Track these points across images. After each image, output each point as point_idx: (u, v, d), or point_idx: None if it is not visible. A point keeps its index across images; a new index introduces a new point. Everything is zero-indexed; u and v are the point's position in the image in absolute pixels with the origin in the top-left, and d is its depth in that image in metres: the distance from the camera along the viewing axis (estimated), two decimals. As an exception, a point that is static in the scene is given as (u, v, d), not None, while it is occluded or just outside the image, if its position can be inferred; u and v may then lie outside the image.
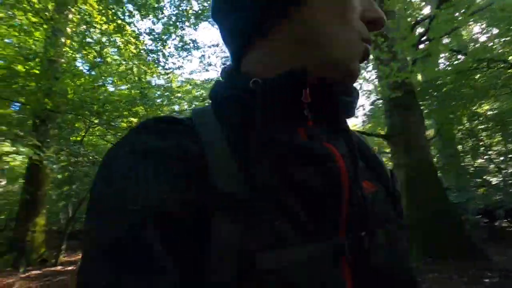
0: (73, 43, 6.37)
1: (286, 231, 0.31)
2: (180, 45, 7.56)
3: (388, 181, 0.44)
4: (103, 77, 6.62)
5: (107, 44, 6.83)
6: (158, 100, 7.58)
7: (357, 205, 0.35)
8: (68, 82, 5.56)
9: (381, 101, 6.41)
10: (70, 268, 6.19)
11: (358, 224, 0.35)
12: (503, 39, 4.39)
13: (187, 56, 8.18)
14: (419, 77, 6.54)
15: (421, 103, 5.34)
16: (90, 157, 5.99)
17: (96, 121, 6.09)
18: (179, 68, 8.20)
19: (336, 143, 0.39)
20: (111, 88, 7.22)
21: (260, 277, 0.29)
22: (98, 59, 6.36)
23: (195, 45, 7.83)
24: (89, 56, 6.38)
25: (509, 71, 4.36)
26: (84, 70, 6.68)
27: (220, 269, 0.29)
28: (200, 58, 9.17)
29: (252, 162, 0.34)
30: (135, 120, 6.18)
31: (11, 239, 6.36)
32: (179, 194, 0.30)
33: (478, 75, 5.09)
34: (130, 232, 0.27)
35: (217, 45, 8.79)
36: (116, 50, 7.26)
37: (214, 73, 10.46)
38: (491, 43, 4.57)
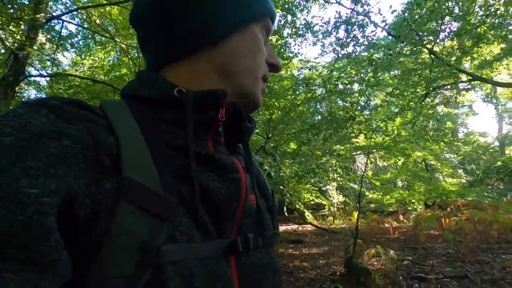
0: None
1: (189, 229, 0.35)
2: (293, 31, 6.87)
3: (269, 199, 0.53)
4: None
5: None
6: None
7: (246, 214, 0.43)
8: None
9: None
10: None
11: (245, 229, 0.42)
12: None
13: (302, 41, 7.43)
14: None
15: None
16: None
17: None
18: (297, 54, 7.55)
19: (238, 158, 0.48)
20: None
21: (162, 268, 0.31)
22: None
23: (309, 27, 6.87)
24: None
25: None
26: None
27: (121, 260, 0.29)
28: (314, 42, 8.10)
29: (167, 163, 0.37)
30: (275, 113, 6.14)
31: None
32: (84, 181, 0.30)
33: None
34: (26, 222, 0.25)
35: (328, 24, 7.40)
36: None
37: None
38: None
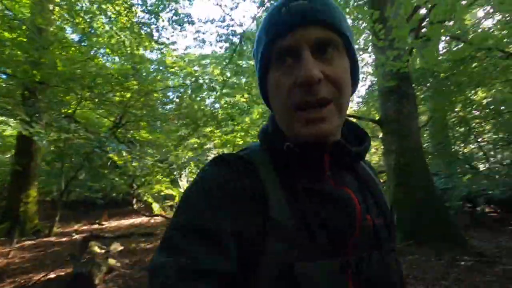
0: (62, 11, 5.95)
1: (314, 250, 0.46)
2: (174, 19, 7.20)
3: (386, 213, 0.56)
4: (94, 49, 6.24)
5: (98, 13, 6.29)
6: (152, 75, 7.34)
7: (363, 234, 0.50)
8: (57, 52, 5.23)
9: (376, 86, 6.42)
10: (64, 239, 6.01)
11: (361, 247, 0.49)
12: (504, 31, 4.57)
13: (181, 31, 7.77)
14: (418, 61, 6.63)
15: (416, 89, 5.46)
16: (81, 133, 5.54)
17: (87, 94, 5.84)
18: (173, 43, 7.68)
19: (351, 184, 0.55)
20: (104, 62, 6.82)
21: (295, 278, 0.43)
22: (90, 30, 5.93)
23: (190, 19, 7.38)
24: (79, 26, 5.92)
25: (506, 61, 4.59)
26: (75, 42, 6.18)
27: (268, 272, 0.44)
28: (195, 33, 8.57)
29: (296, 202, 0.48)
30: (128, 94, 5.95)
31: (4, 209, 6.40)
32: (246, 219, 0.46)
33: (475, 64, 5.26)
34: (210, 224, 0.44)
35: (212, 21, 7.82)
36: (107, 20, 6.67)
37: (209, 49, 9.48)
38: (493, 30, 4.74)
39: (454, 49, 5.73)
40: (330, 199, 0.50)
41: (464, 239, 4.29)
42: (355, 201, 0.51)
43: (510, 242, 4.43)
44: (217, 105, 8.96)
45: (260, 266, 0.44)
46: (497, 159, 7.94)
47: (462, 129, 8.38)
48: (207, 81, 7.49)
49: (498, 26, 5.03)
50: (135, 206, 7.59)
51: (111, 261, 3.93)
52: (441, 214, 4.40)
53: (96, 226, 8.25)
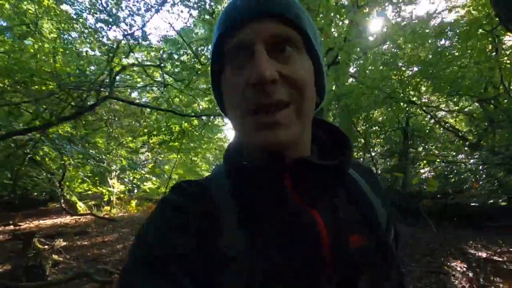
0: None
1: (273, 280, 0.40)
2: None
3: (379, 230, 0.48)
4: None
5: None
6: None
7: (339, 261, 0.43)
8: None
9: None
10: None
11: (342, 273, 0.42)
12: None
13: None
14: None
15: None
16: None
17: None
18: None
19: (325, 202, 0.47)
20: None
21: None
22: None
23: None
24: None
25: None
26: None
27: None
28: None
29: (252, 230, 0.43)
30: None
31: None
32: (197, 251, 0.41)
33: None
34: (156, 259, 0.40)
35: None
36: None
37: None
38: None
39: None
40: (290, 226, 0.43)
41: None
42: (319, 226, 0.43)
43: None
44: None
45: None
46: (384, 167, 10.31)
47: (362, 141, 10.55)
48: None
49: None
50: (63, 205, 7.34)
51: (55, 256, 4.18)
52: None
53: (12, 227, 7.66)
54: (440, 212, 5.99)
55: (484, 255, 4.19)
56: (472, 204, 5.55)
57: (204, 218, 0.44)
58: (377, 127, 10.03)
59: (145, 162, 13.49)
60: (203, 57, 6.49)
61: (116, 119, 8.78)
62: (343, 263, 0.43)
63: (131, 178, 10.92)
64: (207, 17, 6.11)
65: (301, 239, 0.43)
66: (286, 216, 0.44)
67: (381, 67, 6.85)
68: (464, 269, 3.76)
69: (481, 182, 5.57)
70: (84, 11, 5.85)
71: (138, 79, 7.81)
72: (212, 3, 6.10)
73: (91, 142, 8.25)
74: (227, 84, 0.45)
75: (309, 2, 3.27)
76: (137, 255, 0.41)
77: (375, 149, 11.26)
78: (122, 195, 10.65)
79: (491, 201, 5.30)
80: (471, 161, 6.05)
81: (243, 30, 0.43)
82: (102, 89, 5.62)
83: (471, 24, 5.35)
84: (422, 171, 7.69)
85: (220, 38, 0.46)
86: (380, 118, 10.28)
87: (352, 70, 8.52)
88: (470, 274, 3.58)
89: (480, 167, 5.65)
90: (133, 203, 10.61)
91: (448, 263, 4.00)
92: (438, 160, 7.11)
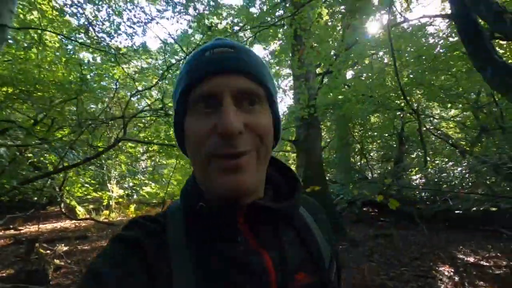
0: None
1: None
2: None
3: (323, 271, 0.52)
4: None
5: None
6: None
7: None
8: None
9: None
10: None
11: None
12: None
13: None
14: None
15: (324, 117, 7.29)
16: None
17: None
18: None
19: (274, 242, 0.50)
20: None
21: None
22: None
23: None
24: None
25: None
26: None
27: None
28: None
29: (203, 271, 0.45)
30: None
31: None
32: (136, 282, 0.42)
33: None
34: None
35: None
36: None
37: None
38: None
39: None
40: (241, 267, 0.46)
41: (345, 230, 6.00)
42: (268, 267, 0.47)
43: (375, 231, 6.31)
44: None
45: None
46: (380, 171, 10.47)
47: (359, 146, 10.74)
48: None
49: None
50: (63, 210, 7.45)
51: (57, 261, 4.31)
52: (329, 213, 6.04)
53: (12, 231, 7.78)
54: (432, 216, 6.14)
55: (472, 259, 4.34)
56: (456, 211, 5.71)
57: (157, 257, 0.45)
58: (374, 132, 10.23)
59: (145, 168, 13.61)
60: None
61: (116, 125, 8.95)
62: None
63: (131, 184, 11.07)
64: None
65: (251, 280, 0.46)
66: (238, 258, 0.47)
67: (374, 75, 7.03)
68: (452, 273, 3.91)
69: (466, 190, 5.73)
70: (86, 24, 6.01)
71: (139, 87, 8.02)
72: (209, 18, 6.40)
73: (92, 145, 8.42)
74: (192, 128, 0.47)
75: (301, 22, 3.48)
76: None
77: (371, 154, 11.46)
78: (120, 199, 10.77)
79: (475, 208, 5.45)
80: (458, 169, 6.22)
81: (212, 82, 0.46)
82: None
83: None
84: (414, 177, 7.85)
85: (186, 88, 0.48)
86: (376, 125, 10.49)
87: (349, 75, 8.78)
88: (456, 278, 3.72)
89: (467, 175, 5.81)
90: (132, 207, 10.72)
91: (437, 268, 4.14)
92: (430, 166, 7.28)
